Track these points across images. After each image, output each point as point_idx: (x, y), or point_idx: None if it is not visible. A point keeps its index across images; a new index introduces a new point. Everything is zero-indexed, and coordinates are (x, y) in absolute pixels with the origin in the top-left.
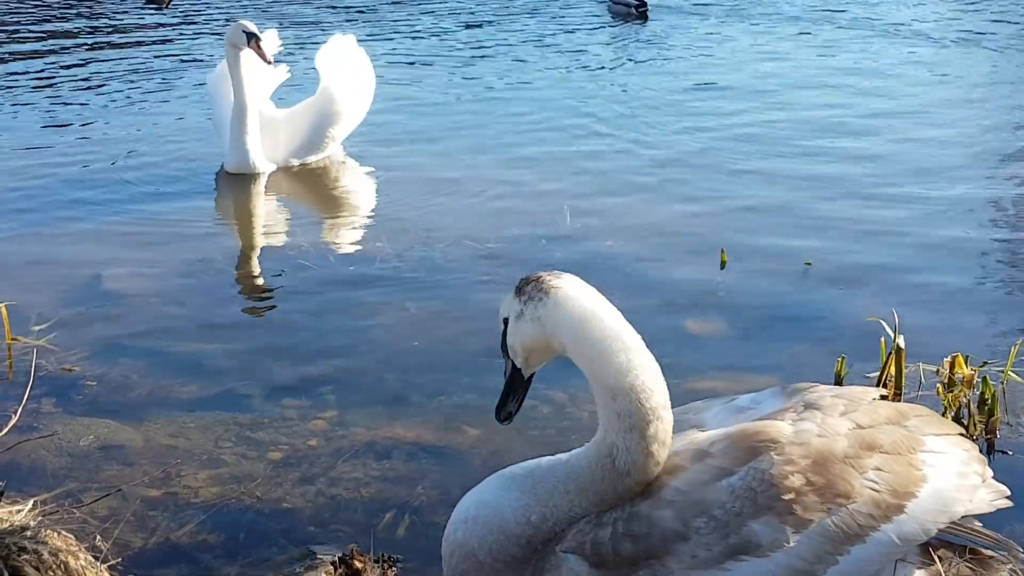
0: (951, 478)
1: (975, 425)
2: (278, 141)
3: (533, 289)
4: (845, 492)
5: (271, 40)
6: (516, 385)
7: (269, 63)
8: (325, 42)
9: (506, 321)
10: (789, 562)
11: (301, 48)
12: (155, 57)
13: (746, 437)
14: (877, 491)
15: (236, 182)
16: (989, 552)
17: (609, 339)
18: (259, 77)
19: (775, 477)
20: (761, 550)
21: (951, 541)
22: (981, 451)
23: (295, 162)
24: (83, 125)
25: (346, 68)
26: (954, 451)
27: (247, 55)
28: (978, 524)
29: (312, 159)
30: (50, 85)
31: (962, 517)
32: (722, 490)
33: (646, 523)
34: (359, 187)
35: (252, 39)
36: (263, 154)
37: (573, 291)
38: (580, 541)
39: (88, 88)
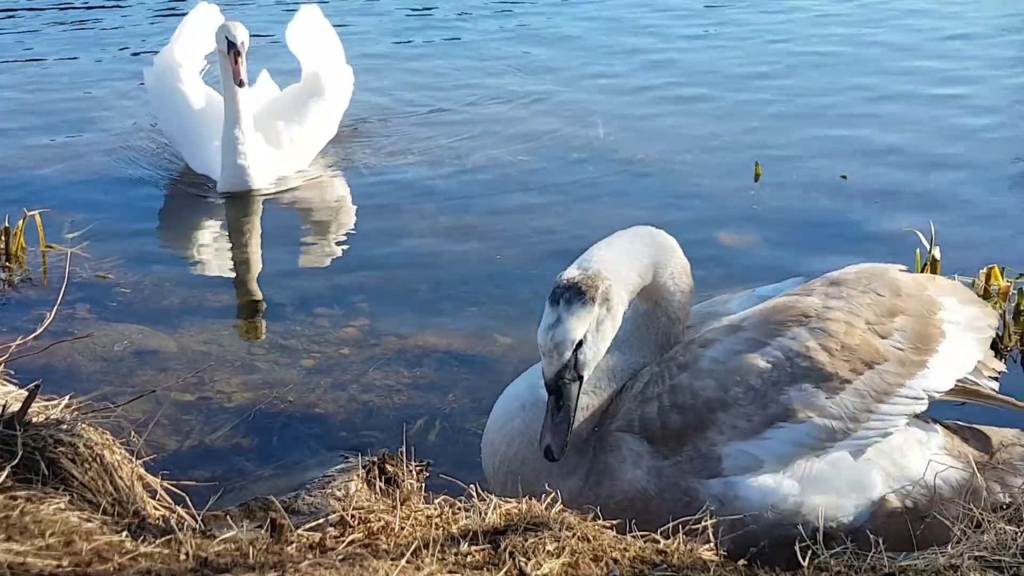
0: (968, 332)
1: (1010, 336)
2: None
3: (603, 293)
4: (872, 355)
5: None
6: (576, 400)
7: (241, 84)
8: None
9: (581, 342)
10: (824, 424)
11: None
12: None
13: (778, 312)
14: (901, 350)
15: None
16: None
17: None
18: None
19: (808, 347)
20: (797, 416)
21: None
22: (1016, 362)
23: (295, 171)
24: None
25: (324, 46)
26: (969, 308)
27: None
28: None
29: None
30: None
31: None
32: (757, 359)
33: (689, 393)
34: (392, 102)
35: (232, 49)
36: (264, 169)
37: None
38: (629, 420)
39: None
